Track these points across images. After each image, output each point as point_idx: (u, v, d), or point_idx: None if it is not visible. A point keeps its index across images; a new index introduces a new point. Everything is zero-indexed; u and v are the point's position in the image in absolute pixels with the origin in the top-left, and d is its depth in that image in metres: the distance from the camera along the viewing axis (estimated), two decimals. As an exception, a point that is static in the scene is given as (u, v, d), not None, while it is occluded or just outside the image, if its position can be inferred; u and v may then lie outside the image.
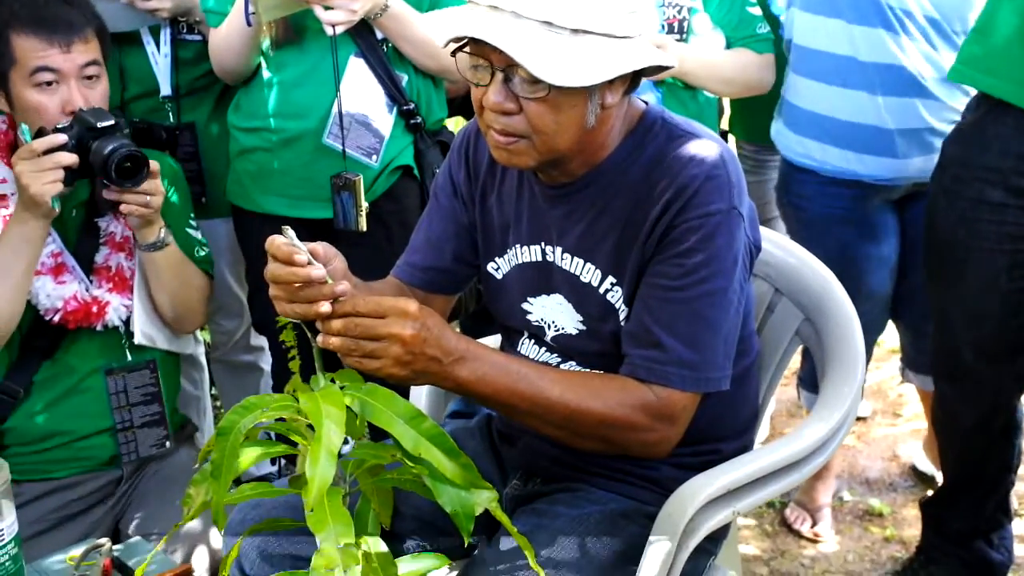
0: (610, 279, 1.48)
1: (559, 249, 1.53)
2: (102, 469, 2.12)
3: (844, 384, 1.60)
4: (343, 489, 1.25)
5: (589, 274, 1.50)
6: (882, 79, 2.22)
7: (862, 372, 1.62)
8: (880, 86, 2.22)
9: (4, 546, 1.49)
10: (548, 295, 1.57)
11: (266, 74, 2.21)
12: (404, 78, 2.22)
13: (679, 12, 2.34)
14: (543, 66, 1.28)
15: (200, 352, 2.88)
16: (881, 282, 2.44)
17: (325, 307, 1.29)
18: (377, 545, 1.33)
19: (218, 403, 3.05)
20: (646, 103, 1.52)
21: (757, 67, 2.39)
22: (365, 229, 2.15)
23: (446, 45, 1.38)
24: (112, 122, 1.91)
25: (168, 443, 2.16)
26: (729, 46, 2.40)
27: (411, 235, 1.71)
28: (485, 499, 1.27)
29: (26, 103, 1.94)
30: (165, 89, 2.35)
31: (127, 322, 2.08)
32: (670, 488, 1.57)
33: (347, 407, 1.23)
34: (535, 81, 1.31)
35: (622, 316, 1.48)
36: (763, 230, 1.77)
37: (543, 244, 1.55)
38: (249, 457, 1.28)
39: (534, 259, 1.57)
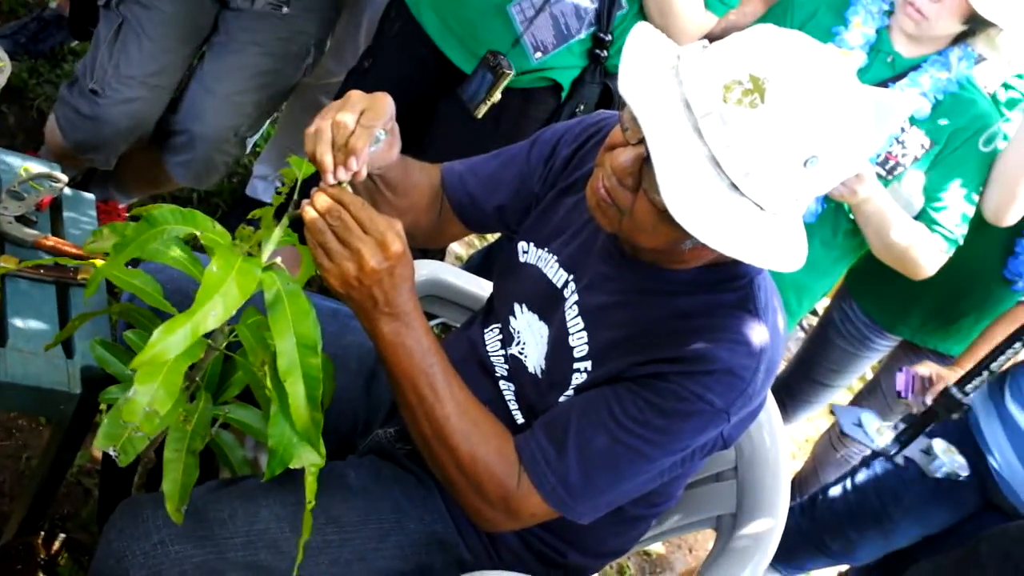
0: (587, 363, 1.38)
1: (575, 298, 1.42)
2: None
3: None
4: (202, 349, 1.19)
5: (577, 342, 1.39)
6: None
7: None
8: None
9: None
10: (539, 320, 1.47)
11: None
12: (623, 9, 2.04)
13: (903, 156, 2.12)
14: (677, 199, 1.13)
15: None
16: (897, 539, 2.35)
17: (332, 177, 1.21)
18: (206, 409, 1.30)
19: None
20: None
21: (923, 251, 2.16)
22: (479, 117, 2.03)
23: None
24: None
25: (285, 9, 2.20)
26: (917, 216, 2.18)
27: (510, 140, 1.60)
28: (307, 460, 1.23)
29: None
30: None
31: None
32: (499, 551, 1.53)
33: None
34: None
35: (564, 396, 1.39)
36: (772, 420, 1.65)
37: (571, 279, 1.44)
38: (159, 253, 1.23)
39: (555, 282, 1.46)
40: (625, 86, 1.17)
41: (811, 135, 1.13)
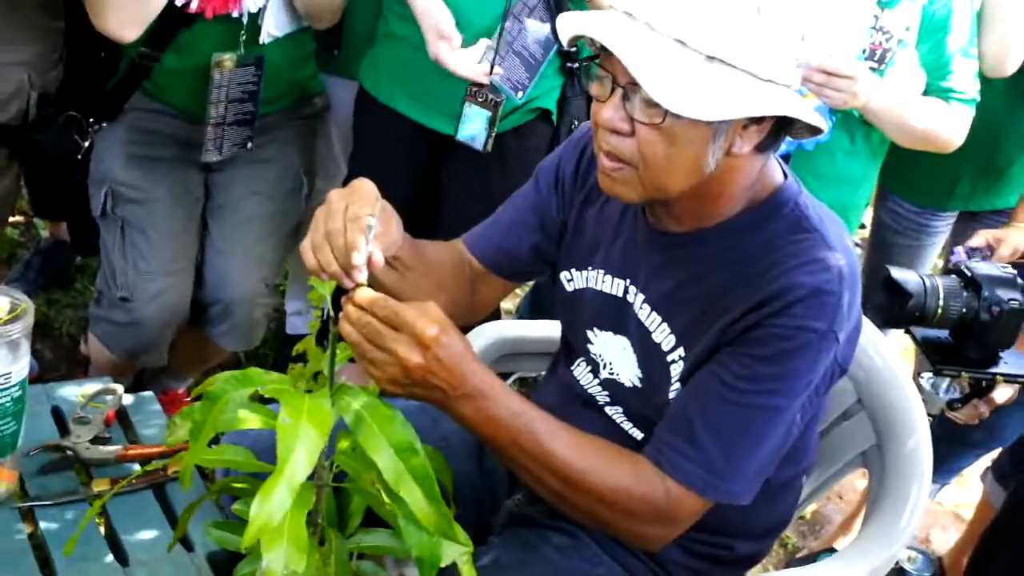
0: (680, 350, 1.35)
1: (642, 297, 1.40)
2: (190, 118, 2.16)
3: (884, 538, 1.46)
4: (312, 492, 1.17)
5: (662, 336, 1.37)
6: None
7: (908, 535, 1.47)
8: None
9: (8, 388, 1.48)
10: (616, 335, 1.45)
11: None
12: None
13: (887, 40, 2.08)
14: (661, 87, 1.14)
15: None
16: None
17: (349, 282, 1.20)
18: (340, 547, 1.28)
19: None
20: (786, 176, 1.35)
21: (947, 125, 2.12)
22: (490, 150, 2.04)
23: (569, 44, 1.27)
24: None
25: (250, 144, 2.19)
26: (927, 92, 2.14)
27: (519, 180, 1.60)
28: (455, 552, 1.20)
29: None
30: None
31: (255, 15, 2.05)
32: (668, 569, 1.49)
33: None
34: (653, 104, 1.17)
35: (672, 391, 1.36)
36: (873, 338, 1.61)
37: (628, 283, 1.42)
38: (233, 422, 1.22)
39: (614, 293, 1.44)
40: (572, 28, 1.22)
41: None
